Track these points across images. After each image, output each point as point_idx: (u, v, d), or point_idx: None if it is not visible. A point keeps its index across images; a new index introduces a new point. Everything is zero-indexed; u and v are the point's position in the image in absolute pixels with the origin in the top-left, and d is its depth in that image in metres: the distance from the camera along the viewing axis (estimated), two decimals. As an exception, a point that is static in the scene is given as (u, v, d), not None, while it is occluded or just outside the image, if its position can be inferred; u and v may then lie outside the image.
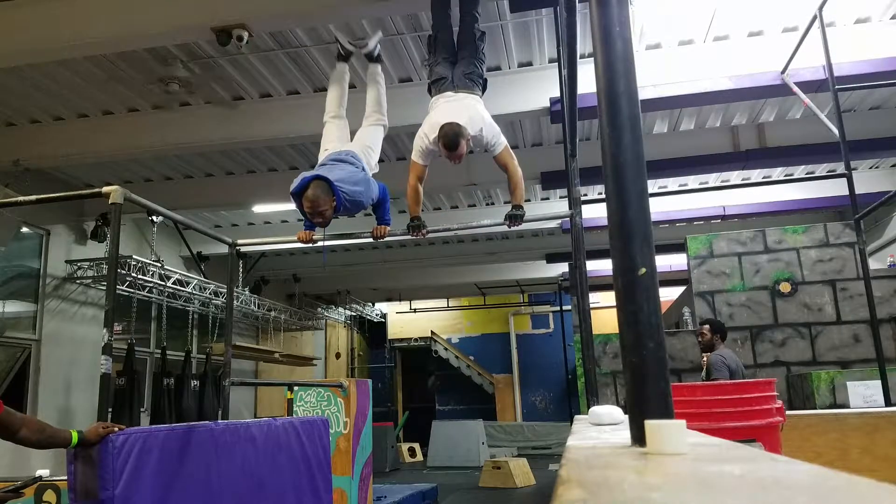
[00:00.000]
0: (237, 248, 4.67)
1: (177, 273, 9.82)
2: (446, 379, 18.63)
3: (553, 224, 10.61)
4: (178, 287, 9.82)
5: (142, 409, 8.97)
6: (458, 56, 4.27)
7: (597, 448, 1.19)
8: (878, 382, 4.81)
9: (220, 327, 10.70)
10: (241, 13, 4.72)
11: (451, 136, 3.76)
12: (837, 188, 8.48)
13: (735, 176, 8.98)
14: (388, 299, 17.80)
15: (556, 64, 5.06)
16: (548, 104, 6.14)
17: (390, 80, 6.41)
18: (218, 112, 6.82)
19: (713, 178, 9.15)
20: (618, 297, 1.19)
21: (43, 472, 4.21)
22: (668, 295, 11.25)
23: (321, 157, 4.22)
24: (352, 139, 4.36)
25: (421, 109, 4.33)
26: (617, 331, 1.22)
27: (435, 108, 4.10)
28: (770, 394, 3.26)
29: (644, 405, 1.11)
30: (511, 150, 4.04)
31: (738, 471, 0.75)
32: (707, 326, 5.31)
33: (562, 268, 12.66)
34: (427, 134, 3.93)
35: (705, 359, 5.32)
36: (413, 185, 4.05)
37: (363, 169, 4.03)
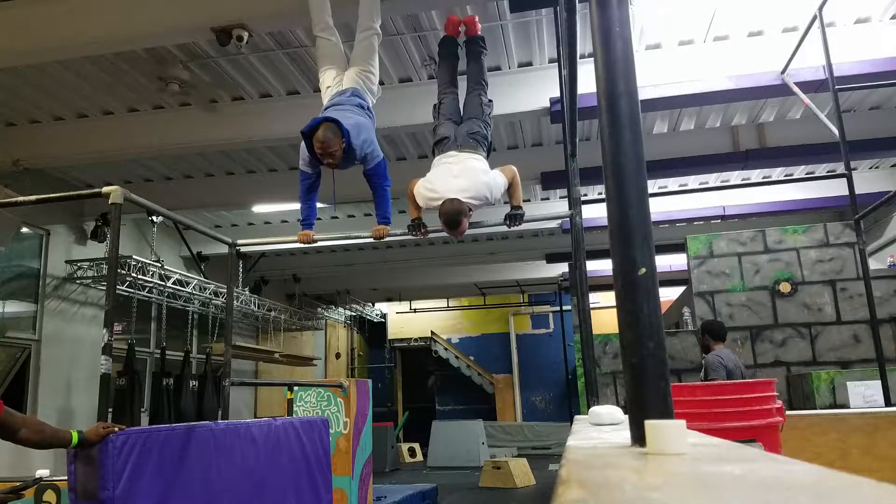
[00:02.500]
0: (237, 248, 4.67)
1: (177, 273, 9.81)
2: (446, 379, 18.62)
3: (553, 224, 10.60)
4: (178, 287, 9.81)
5: (142, 410, 8.97)
6: (462, 118, 4.25)
7: (597, 448, 1.19)
8: (878, 382, 4.81)
9: (220, 327, 10.70)
10: (241, 13, 4.72)
11: (451, 216, 3.73)
12: (837, 188, 8.48)
13: (735, 176, 8.98)
14: (388, 299, 17.80)
15: (556, 64, 5.06)
16: (548, 104, 6.14)
17: (390, 79, 6.42)
18: (218, 112, 6.82)
19: (713, 178, 9.15)
20: (618, 297, 1.19)
21: (43, 473, 4.21)
22: (668, 295, 11.25)
23: (324, 94, 4.21)
24: (348, 62, 4.33)
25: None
26: (617, 331, 1.22)
27: (435, 167, 4.03)
28: (770, 394, 3.26)
29: (644, 405, 1.11)
30: (508, 171, 3.99)
31: (738, 471, 0.75)
32: (699, 330, 5.36)
33: (562, 268, 12.66)
34: (427, 196, 3.90)
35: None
36: (412, 197, 4.05)
37: (368, 108, 4.08)
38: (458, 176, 3.85)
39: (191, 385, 9.33)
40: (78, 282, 8.84)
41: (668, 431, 0.95)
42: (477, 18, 4.71)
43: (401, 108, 6.24)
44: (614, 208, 1.22)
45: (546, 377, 17.88)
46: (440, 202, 3.78)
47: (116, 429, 2.69)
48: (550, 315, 18.29)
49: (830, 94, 4.99)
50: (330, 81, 4.22)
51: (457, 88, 4.45)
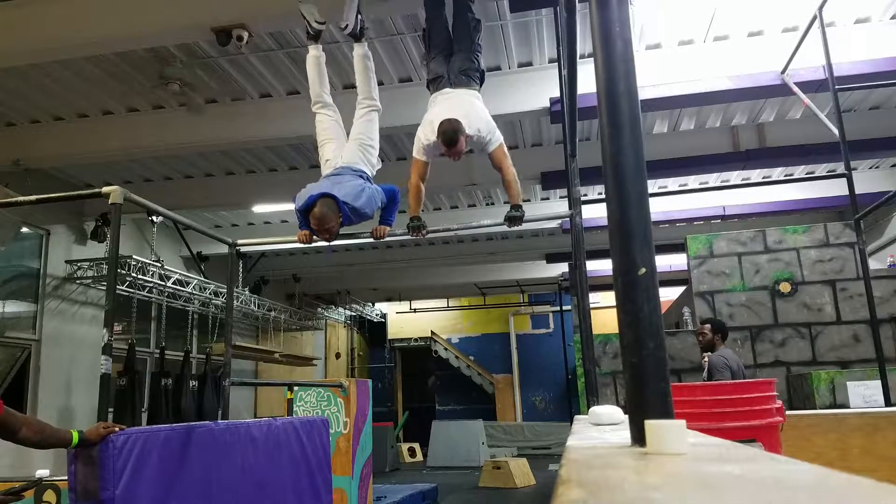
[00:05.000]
0: (237, 248, 4.67)
1: (177, 273, 9.81)
2: (446, 379, 18.62)
3: (553, 224, 10.61)
4: (178, 287, 9.81)
5: (143, 410, 8.97)
6: (453, 49, 4.26)
7: (597, 448, 1.19)
8: (878, 382, 4.81)
9: (220, 327, 10.70)
10: (241, 13, 4.72)
11: (449, 133, 3.79)
12: (837, 188, 8.48)
13: (735, 176, 8.98)
14: (388, 299, 17.80)
15: (556, 64, 5.06)
16: (548, 104, 6.14)
17: (390, 79, 6.42)
18: (218, 112, 6.82)
19: (713, 178, 9.15)
20: (618, 297, 1.19)
21: (43, 473, 4.21)
22: (668, 295, 11.25)
23: (324, 167, 4.19)
24: (348, 135, 4.31)
25: (421, 109, 4.33)
26: (617, 331, 1.22)
27: (433, 105, 4.12)
28: (770, 394, 3.26)
29: (644, 405, 1.11)
30: (506, 149, 4.05)
31: (738, 471, 0.75)
32: (708, 326, 5.29)
33: (562, 268, 12.67)
34: (426, 133, 3.95)
35: (706, 358, 5.31)
36: (415, 183, 4.05)
37: (368, 179, 4.07)
38: (455, 107, 3.95)
39: (191, 385, 9.32)
40: (78, 282, 8.84)
41: (668, 431, 0.95)
42: None
43: (401, 108, 6.24)
44: (614, 208, 1.22)
45: (546, 377, 17.88)
46: (437, 125, 3.83)
47: (117, 429, 2.69)
48: (550, 315, 18.29)
49: (830, 94, 4.98)
50: (329, 155, 4.20)
51: (445, 11, 4.41)
